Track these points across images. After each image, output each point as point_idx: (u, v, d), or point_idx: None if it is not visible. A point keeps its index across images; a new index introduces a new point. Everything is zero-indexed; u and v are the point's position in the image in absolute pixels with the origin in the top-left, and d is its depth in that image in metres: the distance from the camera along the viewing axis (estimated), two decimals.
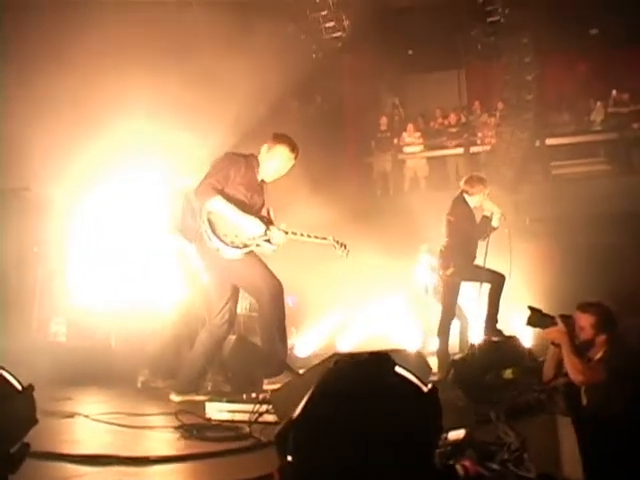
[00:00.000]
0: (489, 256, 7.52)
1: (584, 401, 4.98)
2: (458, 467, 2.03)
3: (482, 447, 2.82)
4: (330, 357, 4.08)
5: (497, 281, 7.51)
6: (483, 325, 7.53)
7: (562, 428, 3.92)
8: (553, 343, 5.17)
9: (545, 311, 5.24)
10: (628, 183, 13.69)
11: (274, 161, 5.38)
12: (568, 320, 5.05)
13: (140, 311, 7.35)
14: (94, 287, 7.82)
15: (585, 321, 5.04)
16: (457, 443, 2.64)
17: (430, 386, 1.70)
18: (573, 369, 4.91)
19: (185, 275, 6.53)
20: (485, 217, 7.57)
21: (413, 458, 1.59)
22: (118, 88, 7.63)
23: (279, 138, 5.41)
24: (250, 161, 5.39)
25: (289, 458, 1.58)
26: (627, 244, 11.73)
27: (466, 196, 7.57)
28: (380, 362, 1.68)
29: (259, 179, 5.44)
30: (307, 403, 1.60)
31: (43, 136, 7.27)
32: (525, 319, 5.13)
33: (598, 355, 5.03)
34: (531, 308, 5.16)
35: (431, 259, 9.39)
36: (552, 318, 5.07)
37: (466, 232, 7.48)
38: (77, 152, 7.44)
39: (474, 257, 7.54)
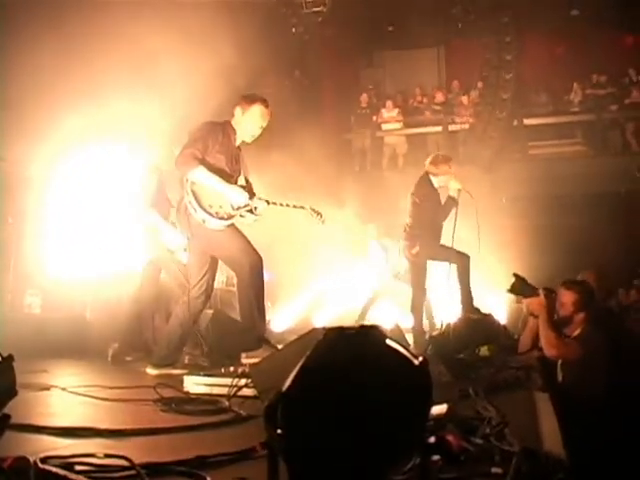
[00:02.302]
0: (460, 235, 7.56)
1: (559, 377, 5.04)
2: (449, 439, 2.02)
3: (463, 422, 2.83)
4: (309, 332, 4.05)
5: (462, 262, 7.56)
6: (460, 305, 7.61)
7: (540, 404, 3.96)
8: (532, 314, 5.22)
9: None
10: (604, 164, 13.82)
11: (252, 121, 5.36)
12: (550, 294, 5.11)
13: (115, 283, 7.30)
14: (69, 259, 7.73)
15: (567, 298, 5.10)
16: (439, 418, 2.64)
17: (421, 359, 1.69)
18: (547, 343, 4.96)
19: (156, 250, 6.47)
20: (451, 197, 7.60)
21: (405, 431, 1.58)
22: (96, 64, 7.58)
23: (252, 98, 5.41)
24: (226, 128, 5.36)
25: (278, 431, 1.56)
26: (601, 224, 11.85)
27: (431, 176, 7.62)
28: (371, 334, 1.66)
29: (237, 145, 5.42)
30: (297, 375, 1.57)
31: (22, 110, 7.18)
32: (509, 285, 5.17)
33: (575, 333, 5.08)
34: (516, 275, 5.20)
35: (382, 241, 9.35)
36: (535, 289, 5.11)
37: (430, 212, 7.53)
38: (55, 125, 7.33)
39: (439, 237, 7.59)
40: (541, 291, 5.10)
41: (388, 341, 1.67)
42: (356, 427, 1.54)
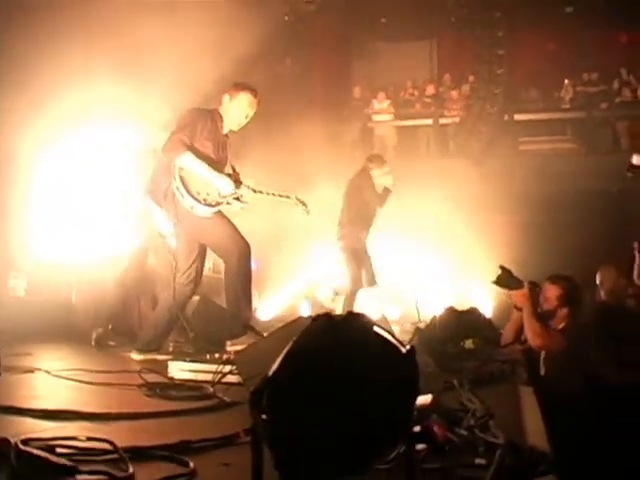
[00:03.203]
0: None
1: (542, 371, 5.06)
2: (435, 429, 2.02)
3: (448, 413, 2.82)
4: (294, 320, 4.03)
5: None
6: None
7: (525, 398, 3.97)
8: (516, 307, 5.24)
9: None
10: (593, 162, 13.84)
11: (238, 109, 5.34)
12: (535, 288, 5.13)
13: (101, 266, 7.25)
14: (55, 241, 7.66)
15: (552, 292, 5.11)
16: (424, 408, 2.64)
17: (408, 347, 1.68)
18: (532, 332, 4.98)
19: (148, 236, 6.44)
20: (386, 189, 8.24)
21: (390, 419, 1.57)
22: (88, 48, 7.54)
23: (240, 86, 5.40)
24: (214, 116, 5.34)
25: (263, 416, 1.55)
26: (591, 222, 11.88)
27: (371, 172, 8.26)
28: (358, 321, 1.65)
29: (224, 133, 5.39)
30: (283, 361, 1.56)
31: (10, 92, 7.12)
32: (494, 277, 5.19)
33: (559, 327, 5.10)
34: (502, 268, 5.21)
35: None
36: (520, 282, 5.13)
37: (363, 204, 8.17)
38: (45, 107, 7.28)
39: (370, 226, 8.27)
40: (526, 284, 5.12)
41: (376, 329, 1.67)
42: (341, 413, 1.53)
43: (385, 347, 1.65)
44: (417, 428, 1.86)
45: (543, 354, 5.10)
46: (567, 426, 3.46)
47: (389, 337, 1.69)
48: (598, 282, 6.62)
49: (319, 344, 1.59)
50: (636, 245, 7.68)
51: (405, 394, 1.65)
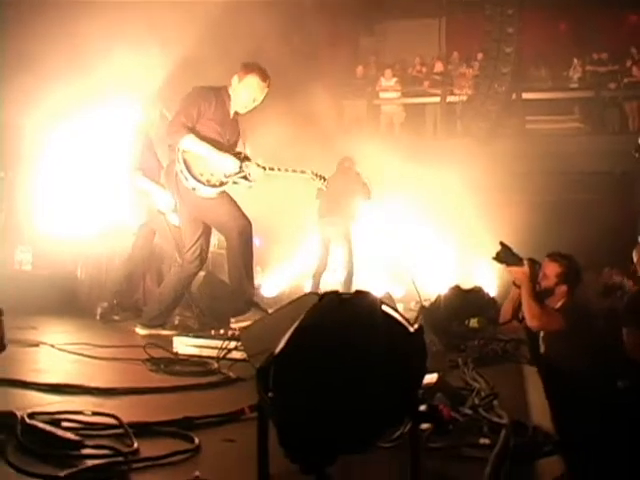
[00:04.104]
0: None
1: (542, 349, 5.05)
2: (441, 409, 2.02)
3: (453, 392, 2.83)
4: (300, 297, 4.04)
5: None
6: None
7: (529, 377, 3.97)
8: (515, 284, 5.23)
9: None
10: (601, 142, 13.77)
11: (246, 92, 5.24)
12: (534, 265, 5.11)
13: (107, 241, 7.27)
14: (62, 216, 7.67)
15: (551, 269, 5.10)
16: (429, 387, 2.64)
17: (416, 326, 1.67)
18: (529, 313, 4.97)
19: (148, 214, 6.43)
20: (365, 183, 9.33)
21: (397, 397, 1.57)
22: (90, 26, 7.54)
23: (249, 68, 5.25)
24: (221, 94, 5.26)
25: (270, 394, 1.54)
26: (596, 203, 11.84)
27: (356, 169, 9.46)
28: (367, 299, 1.64)
29: (232, 112, 5.32)
30: (291, 337, 1.55)
31: (20, 70, 7.14)
32: (494, 253, 5.19)
33: (557, 305, 5.09)
34: (502, 244, 5.21)
35: None
36: (520, 259, 5.12)
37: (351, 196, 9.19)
38: (50, 84, 7.29)
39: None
40: (525, 261, 5.11)
41: (384, 307, 1.66)
42: (348, 391, 1.52)
43: (393, 325, 1.64)
44: (423, 407, 1.85)
45: (542, 333, 5.09)
46: (570, 405, 3.46)
47: (397, 315, 1.68)
48: (636, 260, 6.54)
49: (327, 321, 1.58)
50: None
51: (412, 373, 1.65)
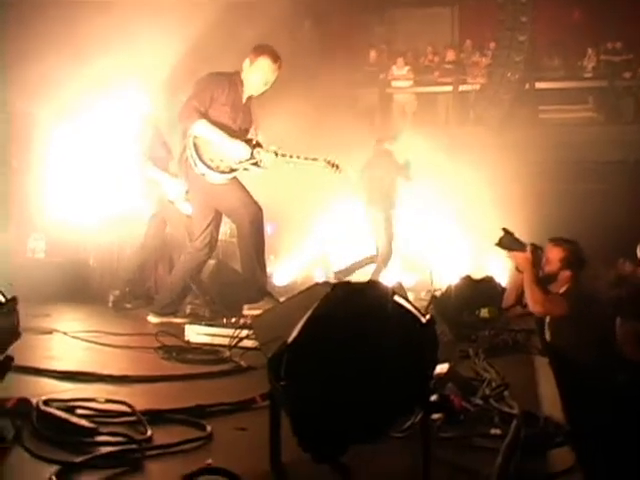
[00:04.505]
0: None
1: (547, 336, 5.03)
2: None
3: (464, 382, 2.83)
4: (311, 287, 4.04)
5: None
6: None
7: (540, 368, 3.97)
8: (517, 269, 5.21)
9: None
10: (614, 132, 13.67)
11: (258, 74, 5.22)
12: (537, 250, 5.10)
13: (119, 229, 7.30)
14: (74, 204, 7.71)
15: (554, 254, 5.07)
16: (440, 377, 2.64)
17: (428, 317, 1.67)
18: (532, 298, 4.95)
19: (159, 203, 6.45)
20: (407, 161, 8.87)
21: (409, 387, 1.57)
22: (99, 15, 7.59)
23: (260, 50, 5.23)
24: (234, 80, 5.25)
25: (282, 382, 1.55)
26: (609, 192, 11.77)
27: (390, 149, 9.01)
28: (380, 290, 1.65)
29: (245, 97, 5.32)
30: (304, 326, 1.56)
31: (38, 65, 7.18)
32: (497, 239, 5.18)
33: (561, 290, 5.06)
34: (505, 230, 5.20)
35: None
36: (523, 244, 5.10)
37: (389, 181, 8.87)
38: (61, 73, 7.32)
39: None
40: (528, 246, 5.09)
41: (396, 297, 1.66)
42: (360, 381, 1.53)
43: (405, 316, 1.64)
44: (434, 397, 1.86)
45: (547, 318, 5.07)
46: (576, 395, 3.45)
47: (409, 306, 1.68)
48: None
49: (339, 311, 1.59)
50: None
51: (423, 363, 1.65)
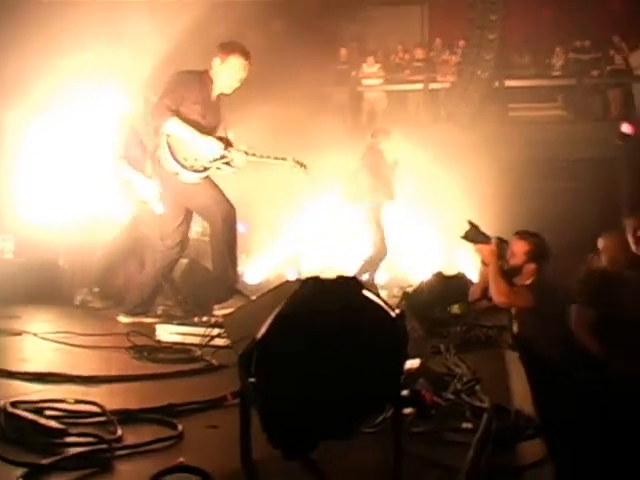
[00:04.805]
0: None
1: (514, 328, 5.08)
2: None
3: (435, 377, 2.85)
4: (282, 284, 4.04)
5: None
6: None
7: (510, 362, 4.00)
8: (483, 262, 5.26)
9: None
10: (584, 130, 13.79)
11: (230, 72, 5.22)
12: (502, 244, 5.15)
13: (89, 229, 7.23)
14: (44, 203, 7.61)
15: (519, 247, 5.12)
16: (412, 372, 2.65)
17: (398, 311, 1.68)
18: (496, 290, 4.99)
19: (131, 202, 6.41)
20: (395, 160, 8.84)
21: (380, 382, 1.57)
22: (71, 13, 7.47)
23: (230, 48, 5.23)
24: (204, 78, 5.25)
25: (252, 379, 1.55)
26: (580, 189, 11.90)
27: (380, 147, 8.79)
28: (349, 285, 1.65)
29: (214, 96, 5.31)
30: (272, 323, 1.55)
31: (9, 62, 7.09)
32: (463, 232, 5.23)
33: (526, 282, 5.11)
34: (470, 223, 5.25)
35: None
36: (488, 237, 5.15)
37: (380, 178, 8.65)
38: (32, 72, 7.24)
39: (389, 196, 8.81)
40: (493, 240, 5.14)
41: (365, 292, 1.66)
42: (330, 377, 1.53)
43: (374, 311, 1.64)
44: (406, 392, 1.86)
45: (514, 311, 5.11)
46: (543, 387, 3.48)
47: (378, 301, 1.68)
48: (601, 248, 6.50)
49: (308, 306, 1.58)
50: None
51: (394, 358, 1.65)
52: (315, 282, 1.63)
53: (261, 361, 1.52)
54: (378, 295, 1.77)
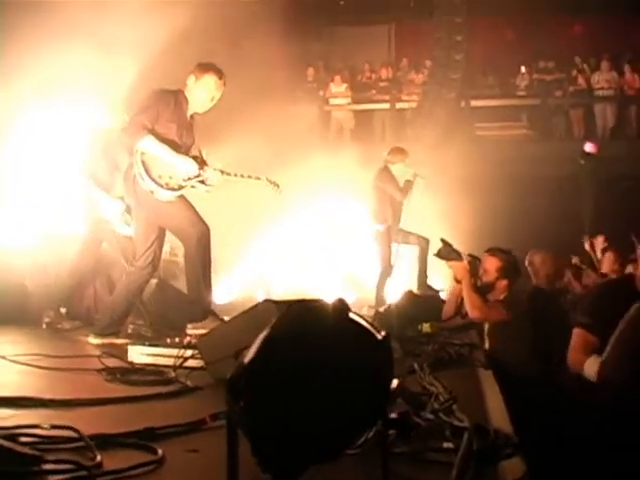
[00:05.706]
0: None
1: (486, 344, 5.13)
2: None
3: (413, 397, 2.84)
4: (256, 305, 4.03)
5: (422, 245, 8.88)
6: (416, 283, 8.59)
7: (484, 380, 4.02)
8: (456, 280, 5.33)
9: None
10: (547, 148, 14.06)
11: (204, 91, 5.26)
12: (474, 261, 5.24)
13: (55, 248, 7.13)
14: (8, 224, 7.50)
15: (491, 264, 5.21)
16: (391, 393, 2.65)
17: (384, 333, 1.68)
18: (470, 304, 5.07)
19: (92, 220, 6.34)
20: (408, 181, 8.75)
21: (370, 405, 1.57)
22: (46, 26, 7.43)
23: (205, 67, 5.29)
24: (179, 97, 5.26)
25: (241, 403, 1.54)
26: (543, 207, 12.08)
27: (390, 166, 8.71)
28: (335, 307, 1.65)
29: (189, 115, 5.32)
30: (261, 347, 1.55)
31: None
32: (436, 250, 5.31)
33: (499, 298, 5.18)
34: (443, 241, 5.35)
35: None
36: (460, 255, 5.24)
37: (388, 199, 8.70)
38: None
39: (399, 219, 8.84)
40: (465, 257, 5.22)
41: (352, 314, 1.66)
42: (320, 400, 1.52)
43: (361, 333, 1.65)
44: (393, 413, 1.86)
45: (486, 328, 5.17)
46: (517, 398, 3.51)
47: (364, 323, 1.69)
48: (535, 265, 6.46)
49: (295, 330, 1.58)
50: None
51: (381, 380, 1.66)
52: (301, 304, 1.63)
53: (250, 385, 1.51)
54: (363, 317, 1.77)
